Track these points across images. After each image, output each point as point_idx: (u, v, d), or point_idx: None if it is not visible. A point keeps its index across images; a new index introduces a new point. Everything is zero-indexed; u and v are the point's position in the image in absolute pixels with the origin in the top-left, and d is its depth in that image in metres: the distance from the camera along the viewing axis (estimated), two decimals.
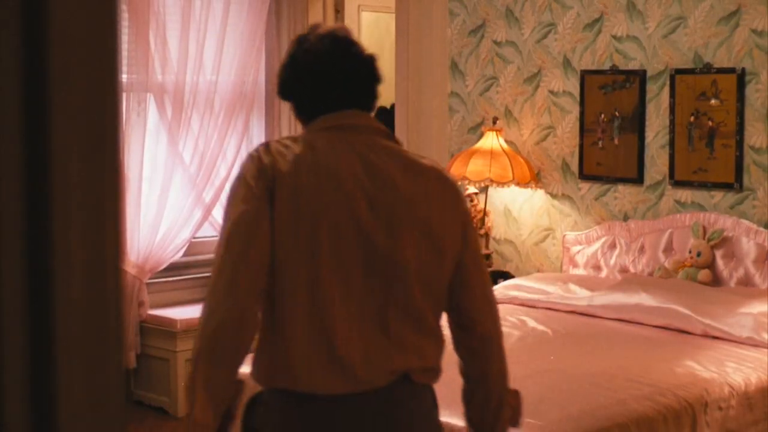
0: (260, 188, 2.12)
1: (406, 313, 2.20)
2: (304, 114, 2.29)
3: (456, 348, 2.35)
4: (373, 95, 2.29)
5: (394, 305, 2.19)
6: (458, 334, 2.33)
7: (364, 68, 2.28)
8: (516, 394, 2.38)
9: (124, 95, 5.61)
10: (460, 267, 2.26)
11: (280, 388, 2.19)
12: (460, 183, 5.58)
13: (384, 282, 2.18)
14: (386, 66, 7.23)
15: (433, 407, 2.34)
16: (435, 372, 2.27)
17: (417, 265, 2.19)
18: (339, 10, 6.73)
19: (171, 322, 5.68)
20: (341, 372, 2.15)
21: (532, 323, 4.70)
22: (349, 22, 6.83)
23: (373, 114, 2.31)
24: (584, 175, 5.51)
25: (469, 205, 1.89)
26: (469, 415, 2.39)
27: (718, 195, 5.05)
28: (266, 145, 2.21)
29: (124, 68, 5.64)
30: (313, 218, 2.14)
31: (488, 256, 5.74)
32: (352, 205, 2.16)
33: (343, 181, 2.17)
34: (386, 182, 2.19)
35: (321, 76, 2.24)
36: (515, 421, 2.37)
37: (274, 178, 2.13)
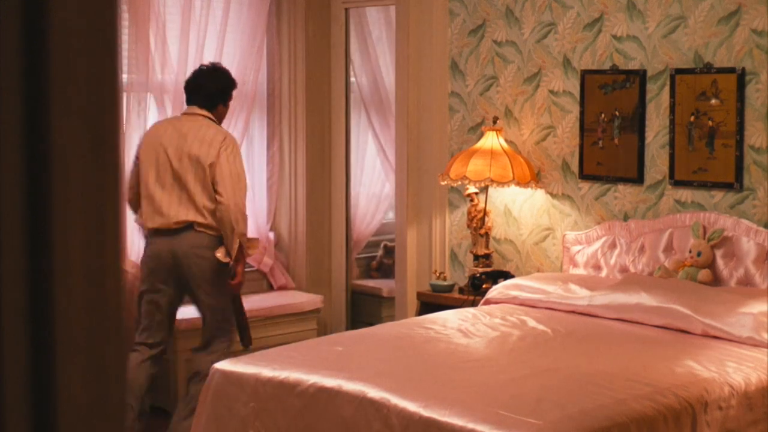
0: None
1: (189, 196, 4.86)
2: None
3: (213, 213, 4.87)
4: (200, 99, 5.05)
5: (185, 191, 4.85)
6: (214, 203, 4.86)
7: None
8: (251, 240, 5.03)
9: (125, 95, 5.62)
10: (213, 170, 4.84)
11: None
12: (460, 183, 5.58)
13: (179, 180, 4.86)
14: (384, 62, 7.15)
15: (205, 246, 4.89)
16: (205, 227, 4.86)
17: (192, 173, 4.84)
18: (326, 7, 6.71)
19: None
20: (159, 217, 4.91)
21: (532, 323, 4.70)
22: (336, 21, 6.82)
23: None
24: (584, 175, 5.51)
25: (224, 148, 4.92)
26: (225, 243, 4.87)
27: (718, 195, 5.05)
28: None
29: (124, 68, 5.64)
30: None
31: (488, 256, 5.74)
32: (166, 149, 4.94)
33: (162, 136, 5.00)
34: (182, 136, 4.92)
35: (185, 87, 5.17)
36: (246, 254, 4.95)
37: None
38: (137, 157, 5.02)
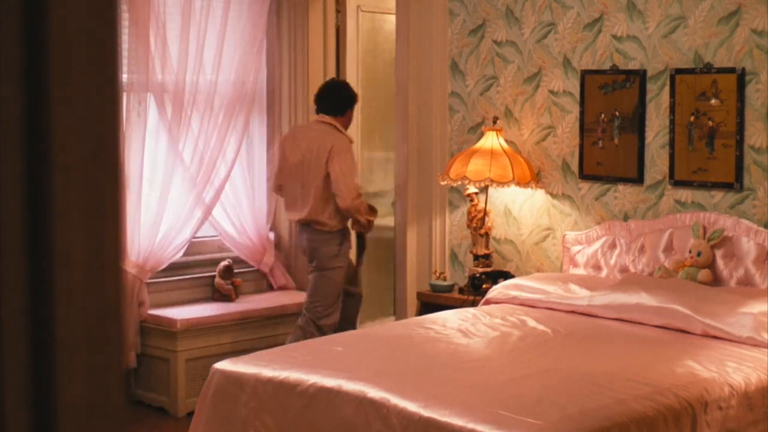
0: None
1: (313, 194, 5.57)
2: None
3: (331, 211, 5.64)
4: (329, 108, 5.71)
5: (308, 191, 5.58)
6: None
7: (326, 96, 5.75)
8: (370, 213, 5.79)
9: (125, 95, 5.62)
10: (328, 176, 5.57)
11: None
12: (460, 183, 5.59)
13: (302, 183, 5.64)
14: (383, 65, 7.17)
15: (324, 242, 5.66)
16: (321, 224, 5.62)
17: (316, 177, 5.56)
18: (340, 11, 6.72)
19: (171, 321, 5.68)
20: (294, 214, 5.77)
21: (532, 323, 4.70)
22: (349, 22, 6.82)
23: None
24: (584, 175, 5.52)
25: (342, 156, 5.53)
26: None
27: (718, 195, 5.06)
28: None
29: (124, 68, 5.64)
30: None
31: (488, 256, 5.74)
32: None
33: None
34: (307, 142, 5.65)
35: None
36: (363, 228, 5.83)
37: None
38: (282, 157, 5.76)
